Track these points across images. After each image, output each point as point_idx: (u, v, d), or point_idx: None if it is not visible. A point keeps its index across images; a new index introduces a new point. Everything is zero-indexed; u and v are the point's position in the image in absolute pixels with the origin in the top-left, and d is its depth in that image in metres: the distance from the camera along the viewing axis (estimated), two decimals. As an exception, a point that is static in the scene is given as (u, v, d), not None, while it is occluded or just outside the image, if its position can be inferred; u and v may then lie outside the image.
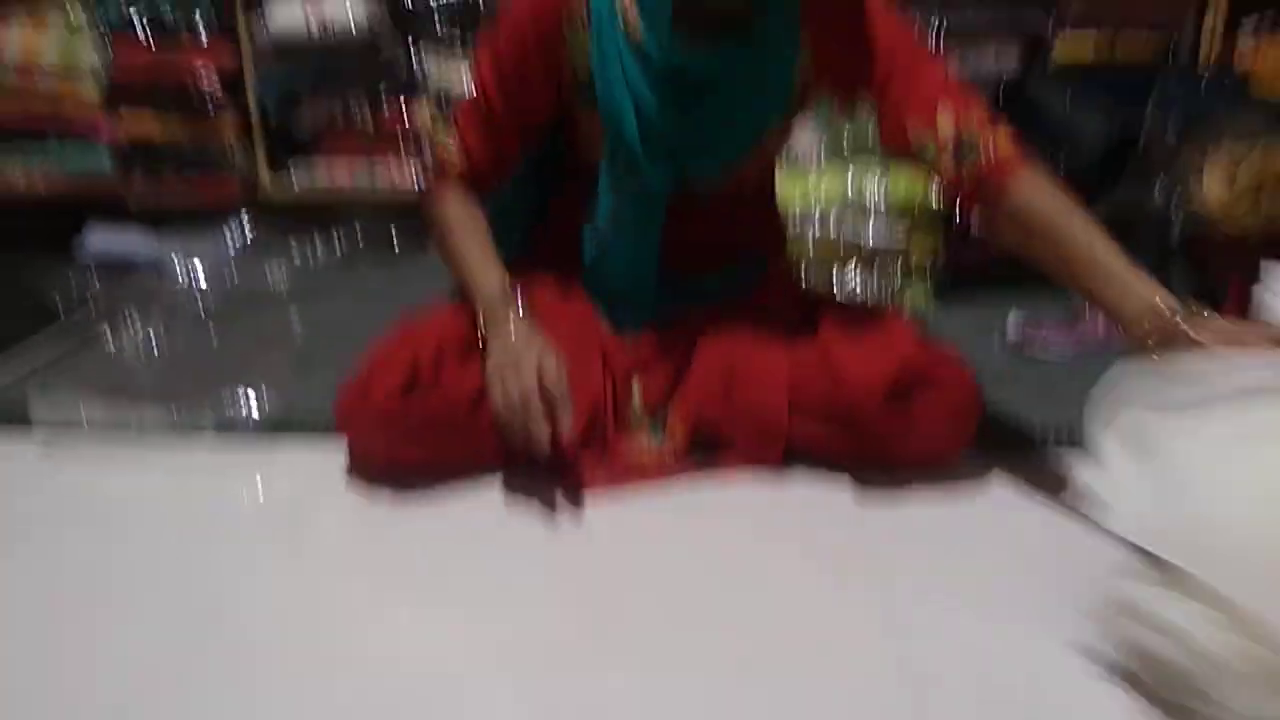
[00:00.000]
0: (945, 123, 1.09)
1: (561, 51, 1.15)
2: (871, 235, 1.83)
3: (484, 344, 1.12)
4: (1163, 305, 0.98)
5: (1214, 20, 2.06)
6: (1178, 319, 0.96)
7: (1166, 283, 1.75)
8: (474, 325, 1.15)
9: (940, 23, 2.06)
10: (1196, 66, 2.06)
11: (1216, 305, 1.58)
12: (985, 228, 1.13)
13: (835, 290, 1.82)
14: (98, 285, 1.88)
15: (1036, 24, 2.07)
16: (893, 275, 1.84)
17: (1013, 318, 1.71)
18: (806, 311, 1.25)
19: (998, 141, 1.09)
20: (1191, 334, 0.94)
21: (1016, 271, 1.76)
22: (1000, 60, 2.08)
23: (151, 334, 1.64)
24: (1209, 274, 1.71)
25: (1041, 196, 1.08)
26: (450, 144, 1.22)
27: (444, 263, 1.24)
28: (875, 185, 1.84)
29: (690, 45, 1.10)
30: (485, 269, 1.17)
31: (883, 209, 1.83)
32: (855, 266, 1.85)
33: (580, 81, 1.16)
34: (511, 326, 1.11)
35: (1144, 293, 1.00)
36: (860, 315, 1.22)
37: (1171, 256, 1.77)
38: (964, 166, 1.09)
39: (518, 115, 1.19)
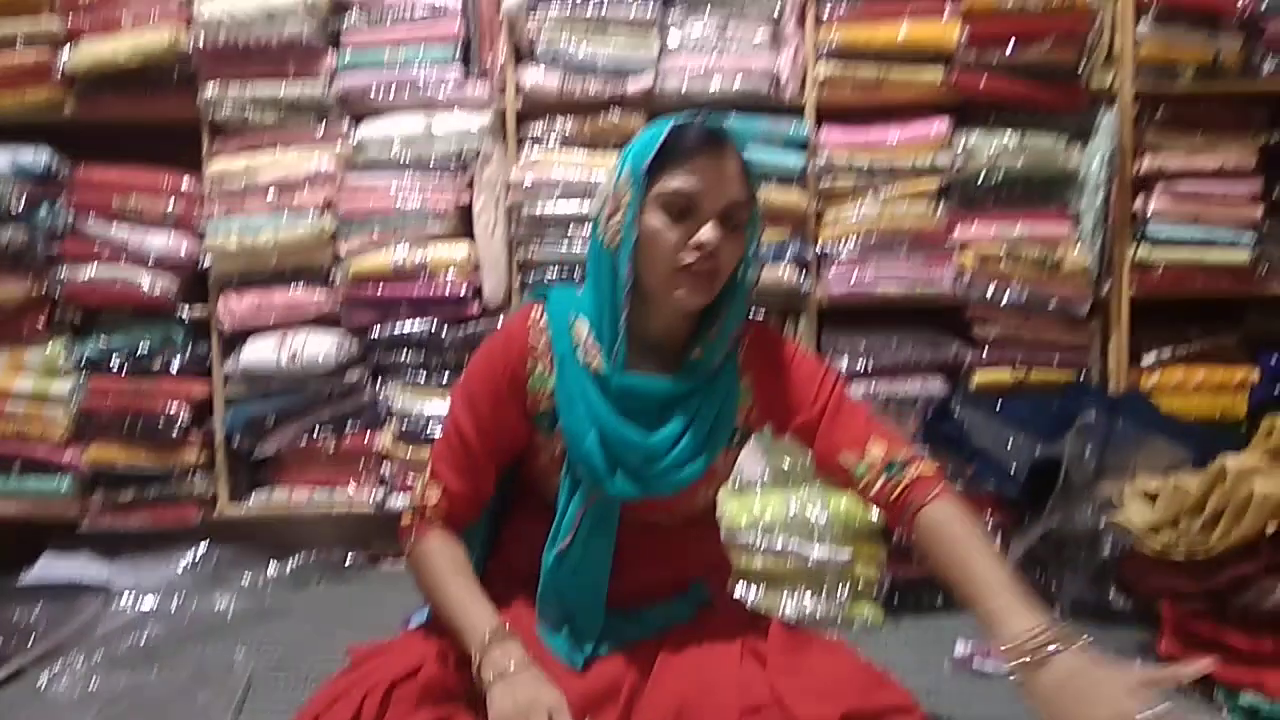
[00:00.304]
0: (875, 451, 1.21)
1: (526, 386, 1.25)
2: (816, 553, 1.87)
3: (482, 688, 1.10)
4: (1039, 632, 1.02)
5: (1118, 355, 2.28)
6: (1049, 647, 1.00)
7: (1103, 600, 1.83)
8: (436, 665, 1.14)
9: (866, 361, 2.24)
10: (1106, 395, 2.23)
11: (1154, 625, 1.64)
12: (907, 542, 1.19)
13: (783, 608, 1.83)
14: (38, 617, 1.84)
15: (956, 357, 2.26)
16: (839, 591, 1.87)
17: (961, 635, 1.73)
18: (755, 636, 1.27)
19: (921, 467, 1.20)
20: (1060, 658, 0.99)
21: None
22: (925, 388, 2.25)
23: (88, 671, 1.59)
24: (1140, 592, 1.77)
25: (950, 517, 1.16)
26: (429, 487, 1.27)
27: (429, 602, 1.25)
28: (818, 504, 1.92)
29: (644, 374, 1.21)
30: (474, 610, 1.18)
31: (826, 527, 1.89)
32: (802, 584, 1.88)
33: (542, 412, 1.25)
34: (514, 673, 1.10)
35: (1024, 618, 1.04)
36: (807, 646, 1.24)
37: (1104, 573, 1.84)
38: (889, 486, 1.19)
39: (492, 451, 1.26)
